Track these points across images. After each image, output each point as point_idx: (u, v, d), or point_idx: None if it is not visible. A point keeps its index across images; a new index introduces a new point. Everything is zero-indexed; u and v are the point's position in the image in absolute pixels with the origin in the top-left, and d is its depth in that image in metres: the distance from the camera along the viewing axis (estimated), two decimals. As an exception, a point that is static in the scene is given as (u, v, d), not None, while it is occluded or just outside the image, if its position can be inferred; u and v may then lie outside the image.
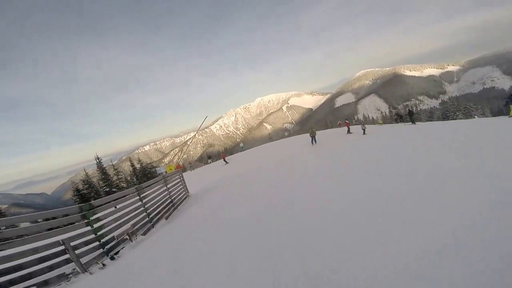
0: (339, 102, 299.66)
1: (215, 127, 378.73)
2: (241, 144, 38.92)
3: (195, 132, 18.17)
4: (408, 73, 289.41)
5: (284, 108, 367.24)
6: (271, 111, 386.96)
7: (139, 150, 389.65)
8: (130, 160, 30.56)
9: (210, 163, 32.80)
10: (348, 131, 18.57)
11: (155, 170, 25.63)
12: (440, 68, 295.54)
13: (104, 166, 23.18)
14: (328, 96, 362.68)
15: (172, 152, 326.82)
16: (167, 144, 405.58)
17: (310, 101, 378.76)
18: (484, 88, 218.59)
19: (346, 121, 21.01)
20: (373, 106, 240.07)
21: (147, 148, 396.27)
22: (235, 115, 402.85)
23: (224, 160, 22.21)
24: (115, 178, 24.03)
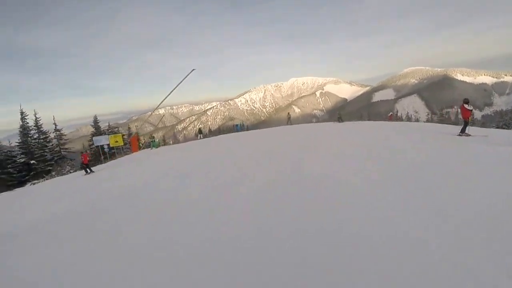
0: (377, 97, 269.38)
1: (240, 101, 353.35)
2: (237, 122, 31.26)
3: (177, 84, 15.74)
4: (459, 77, 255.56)
5: (318, 93, 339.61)
6: (303, 94, 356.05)
7: (152, 112, 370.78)
8: (95, 123, 24.94)
9: (201, 138, 25.53)
10: (463, 131, 9.32)
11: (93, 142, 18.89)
12: (496, 77, 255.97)
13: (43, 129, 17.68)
14: (367, 88, 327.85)
15: (188, 119, 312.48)
16: (185, 111, 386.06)
17: (347, 91, 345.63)
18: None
19: (466, 104, 9.18)
20: (411, 107, 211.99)
21: (162, 111, 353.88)
22: (264, 92, 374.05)
23: (85, 168, 11.75)
24: (52, 144, 18.64)
